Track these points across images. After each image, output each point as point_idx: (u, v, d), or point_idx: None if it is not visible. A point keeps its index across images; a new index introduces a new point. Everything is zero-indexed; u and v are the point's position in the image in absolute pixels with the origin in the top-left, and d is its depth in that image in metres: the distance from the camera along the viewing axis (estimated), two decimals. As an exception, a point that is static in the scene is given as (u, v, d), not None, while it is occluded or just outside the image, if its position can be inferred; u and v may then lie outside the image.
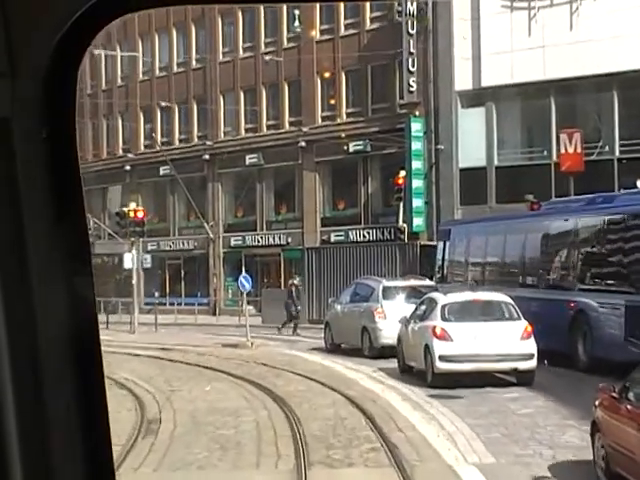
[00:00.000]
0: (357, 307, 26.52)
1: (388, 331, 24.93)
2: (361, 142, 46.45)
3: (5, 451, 1.66)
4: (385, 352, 24.86)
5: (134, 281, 58.13)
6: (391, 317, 25.14)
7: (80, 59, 1.72)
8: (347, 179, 48.30)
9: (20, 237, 1.66)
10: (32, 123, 1.66)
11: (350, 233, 47.06)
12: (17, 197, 1.65)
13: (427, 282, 26.73)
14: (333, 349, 28.02)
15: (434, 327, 19.98)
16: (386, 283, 25.94)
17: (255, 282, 52.42)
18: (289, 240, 50.15)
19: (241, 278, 30.94)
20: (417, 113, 44.25)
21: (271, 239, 50.99)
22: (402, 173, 41.81)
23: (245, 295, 31.18)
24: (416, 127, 43.90)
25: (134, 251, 58.31)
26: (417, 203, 43.38)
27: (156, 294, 57.77)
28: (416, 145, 43.69)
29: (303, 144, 48.66)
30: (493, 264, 27.73)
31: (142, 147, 58.67)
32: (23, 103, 1.65)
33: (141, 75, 57.42)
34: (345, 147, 46.80)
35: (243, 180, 53.45)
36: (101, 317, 49.20)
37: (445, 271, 30.51)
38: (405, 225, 41.77)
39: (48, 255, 1.68)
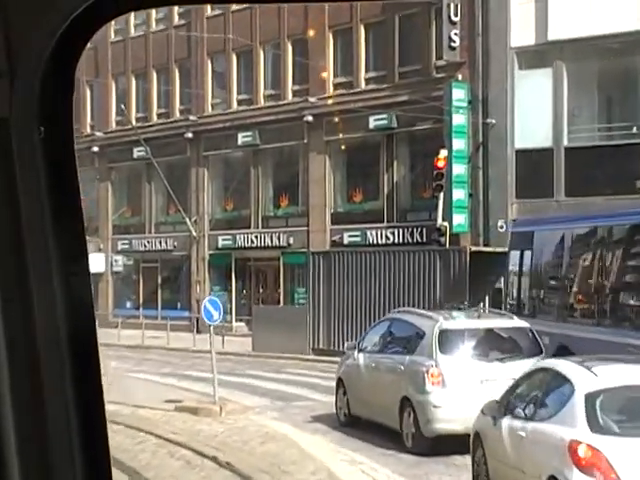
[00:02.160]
0: (393, 362, 15.74)
1: (449, 409, 14.43)
2: (385, 116, 35.86)
3: (4, 451, 1.68)
4: (442, 446, 14.39)
5: (110, 288, 47.85)
6: (453, 384, 14.64)
7: (77, 59, 1.73)
8: (366, 163, 37.72)
9: (18, 237, 1.68)
10: (30, 122, 1.67)
11: (369, 233, 36.47)
12: (15, 196, 1.67)
13: (515, 322, 15.79)
14: (350, 423, 17.39)
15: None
16: (445, 324, 15.09)
17: (248, 294, 41.92)
18: (291, 241, 39.55)
19: (206, 303, 20.12)
20: (460, 77, 33.63)
21: (268, 239, 40.39)
22: (443, 152, 31.17)
23: (212, 328, 20.36)
24: (458, 95, 33.27)
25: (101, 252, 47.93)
26: (458, 195, 32.77)
27: (128, 304, 47.29)
28: (458, 119, 33.09)
29: (310, 119, 38.09)
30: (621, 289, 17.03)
31: (113, 124, 48.08)
32: (21, 103, 1.66)
33: (113, 35, 46.76)
34: (364, 122, 36.26)
35: (235, 164, 42.84)
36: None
37: (524, 297, 19.96)
38: (446, 224, 31.09)
39: (46, 255, 1.69)
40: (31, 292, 1.68)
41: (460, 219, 32.75)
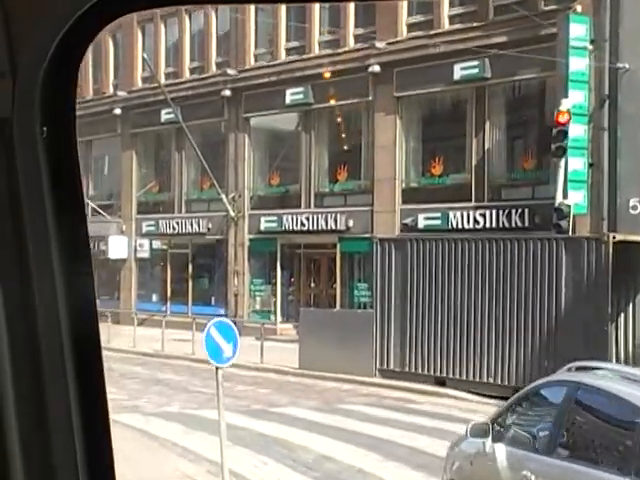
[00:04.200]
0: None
1: None
2: (475, 63, 27.71)
3: (6, 452, 1.67)
4: None
5: (133, 277, 40.21)
6: None
7: (80, 59, 1.72)
8: (448, 125, 29.58)
9: (20, 236, 1.67)
10: (32, 123, 1.67)
11: (451, 215, 28.34)
12: (17, 196, 1.67)
13: None
14: None
15: None
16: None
17: (296, 288, 34.01)
18: (350, 224, 31.51)
19: (211, 329, 11.66)
20: (579, 8, 25.31)
21: (322, 221, 32.38)
22: (566, 103, 22.84)
23: (220, 374, 12.00)
24: (577, 32, 24.98)
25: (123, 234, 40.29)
26: (575, 164, 24.50)
27: (154, 297, 39.67)
28: (576, 64, 24.79)
29: (376, 69, 30.03)
30: None
31: (139, 82, 40.32)
32: (23, 103, 1.65)
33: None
34: (447, 72, 28.11)
35: (281, 129, 34.86)
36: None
37: None
38: (569, 204, 22.74)
39: (48, 254, 1.68)
40: (33, 292, 1.67)
41: (577, 197, 24.48)
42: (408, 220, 29.55)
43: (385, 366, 23.10)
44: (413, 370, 22.25)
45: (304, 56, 32.79)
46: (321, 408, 19.46)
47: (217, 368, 11.65)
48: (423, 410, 19.22)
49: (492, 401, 18.54)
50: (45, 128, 1.66)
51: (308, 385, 23.11)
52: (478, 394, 20.44)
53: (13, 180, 1.65)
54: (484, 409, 17.06)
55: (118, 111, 39.80)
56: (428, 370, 22.15)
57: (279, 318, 34.20)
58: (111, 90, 41.32)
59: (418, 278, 22.74)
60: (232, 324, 12.13)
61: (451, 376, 21.72)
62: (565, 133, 22.23)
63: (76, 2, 1.62)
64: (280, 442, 15.62)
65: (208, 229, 36.64)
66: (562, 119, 22.20)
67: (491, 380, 20.84)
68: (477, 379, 21.17)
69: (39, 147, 1.66)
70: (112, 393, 20.46)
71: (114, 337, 32.12)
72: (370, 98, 30.63)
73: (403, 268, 23.11)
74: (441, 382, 21.88)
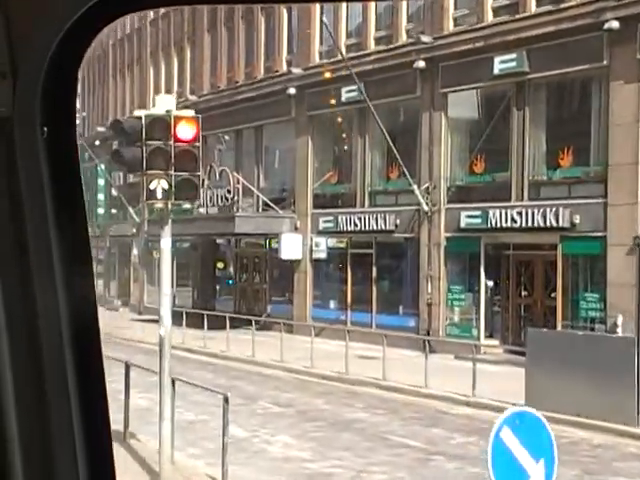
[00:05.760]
0: None
1: None
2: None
3: (7, 451, 1.66)
4: None
5: (308, 280, 35.00)
6: None
7: (80, 59, 1.72)
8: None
9: (21, 236, 1.67)
10: (33, 122, 1.67)
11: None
12: (18, 196, 1.67)
13: None
14: None
15: None
16: None
17: (503, 298, 28.25)
18: (575, 219, 25.42)
19: (502, 429, 6.00)
20: None
21: (539, 217, 26.37)
22: None
23: None
24: None
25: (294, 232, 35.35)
26: None
27: (332, 304, 34.68)
28: None
29: (614, 25, 23.91)
30: None
31: (315, 57, 35.23)
32: (24, 102, 1.66)
33: None
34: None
35: (486, 106, 29.05)
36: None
37: None
38: None
39: (49, 255, 1.68)
40: (34, 292, 1.66)
41: None
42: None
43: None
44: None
45: (517, 16, 26.88)
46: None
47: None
48: None
49: None
50: (45, 128, 1.67)
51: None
52: None
53: (14, 180, 1.67)
54: None
55: (292, 91, 34.86)
56: None
57: (482, 333, 28.44)
58: (284, 67, 36.45)
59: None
60: (544, 422, 6.48)
61: None
62: None
63: (76, 2, 1.63)
64: None
65: (396, 226, 31.16)
66: None
67: None
68: None
69: (39, 147, 1.67)
70: (291, 447, 15.23)
71: (287, 351, 27.14)
72: (605, 62, 24.52)
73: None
74: None
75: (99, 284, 55.40)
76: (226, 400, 11.97)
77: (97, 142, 50.03)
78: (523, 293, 28.02)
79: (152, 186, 12.17)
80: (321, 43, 34.86)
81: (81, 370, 1.68)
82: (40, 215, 1.67)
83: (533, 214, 26.43)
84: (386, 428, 17.26)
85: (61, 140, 1.70)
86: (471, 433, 16.89)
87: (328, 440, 15.92)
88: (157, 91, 43.77)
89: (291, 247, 35.07)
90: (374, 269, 32.47)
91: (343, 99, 32.92)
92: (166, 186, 12.20)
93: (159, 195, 12.25)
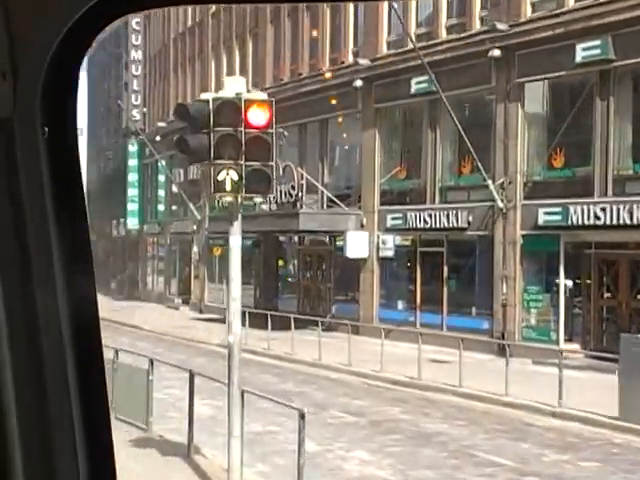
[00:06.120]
0: None
1: None
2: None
3: (8, 451, 1.65)
4: None
5: (375, 279, 33.58)
6: None
7: (81, 59, 1.71)
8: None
9: (21, 236, 1.66)
10: (33, 123, 1.66)
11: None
12: (18, 196, 1.66)
13: None
14: None
15: None
16: None
17: (585, 299, 26.67)
18: (668, 216, 23.81)
19: None
20: None
21: (625, 213, 24.74)
22: None
23: None
24: None
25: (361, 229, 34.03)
26: None
27: (400, 304, 33.35)
28: None
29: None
30: None
31: (383, 47, 33.87)
32: (25, 103, 1.65)
33: None
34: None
35: (565, 96, 27.48)
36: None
37: None
38: None
39: (49, 254, 1.66)
40: (34, 291, 1.64)
41: None
42: None
43: None
44: None
45: (601, 0, 25.28)
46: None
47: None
48: None
49: None
50: (46, 128, 1.67)
51: (644, 450, 15.83)
52: None
53: (14, 180, 1.66)
54: None
55: (359, 83, 33.55)
56: None
57: (562, 336, 26.89)
58: (350, 59, 35.14)
59: None
60: None
61: None
62: None
63: (76, 3, 1.62)
64: None
65: (468, 223, 29.71)
66: None
67: None
68: None
69: (40, 147, 1.66)
70: (368, 464, 13.93)
71: (355, 354, 25.84)
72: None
73: None
74: None
75: (159, 281, 54.54)
76: (302, 416, 10.70)
77: (158, 137, 49.24)
78: (606, 294, 26.42)
79: (220, 177, 10.94)
80: (389, 33, 33.51)
81: (81, 370, 1.67)
82: (40, 215, 1.67)
83: (618, 210, 24.81)
84: (469, 442, 15.88)
85: (61, 140, 1.69)
86: (564, 449, 15.43)
87: (408, 456, 14.58)
88: (219, 86, 42.74)
89: (357, 245, 33.77)
90: (445, 268, 31.02)
91: (412, 90, 31.53)
92: (236, 177, 10.96)
93: (228, 187, 11.01)
